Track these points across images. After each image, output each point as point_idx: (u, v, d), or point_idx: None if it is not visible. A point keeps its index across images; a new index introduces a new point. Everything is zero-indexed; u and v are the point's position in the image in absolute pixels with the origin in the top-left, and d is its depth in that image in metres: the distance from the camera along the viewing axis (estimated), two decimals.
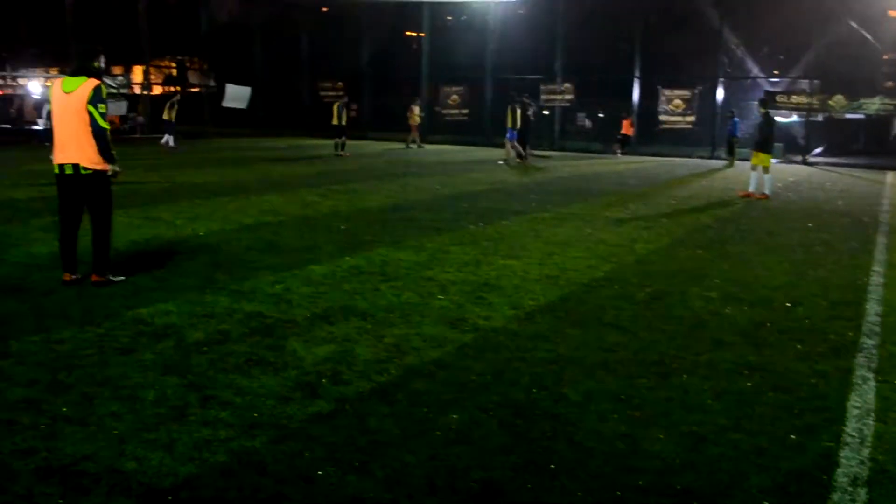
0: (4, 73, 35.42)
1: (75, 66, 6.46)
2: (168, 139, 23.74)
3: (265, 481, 3.33)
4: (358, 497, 3.23)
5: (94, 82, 6.21)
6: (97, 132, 6.17)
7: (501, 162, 22.35)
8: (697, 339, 5.63)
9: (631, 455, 3.70)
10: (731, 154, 25.29)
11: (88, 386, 4.30)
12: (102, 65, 6.45)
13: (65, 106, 6.24)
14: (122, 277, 6.70)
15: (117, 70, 39.01)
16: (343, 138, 24.18)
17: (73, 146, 6.24)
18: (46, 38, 36.20)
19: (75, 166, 6.25)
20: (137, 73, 38.23)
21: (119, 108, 30.53)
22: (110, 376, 4.46)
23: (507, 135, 21.94)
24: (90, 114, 6.13)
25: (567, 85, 31.33)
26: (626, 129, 28.96)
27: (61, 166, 6.30)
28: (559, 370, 4.86)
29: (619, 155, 28.33)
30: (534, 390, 4.51)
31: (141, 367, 4.64)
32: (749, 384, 4.73)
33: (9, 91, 35.59)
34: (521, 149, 22.35)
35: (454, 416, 4.08)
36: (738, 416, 4.21)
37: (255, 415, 3.99)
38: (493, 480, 3.42)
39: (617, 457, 3.69)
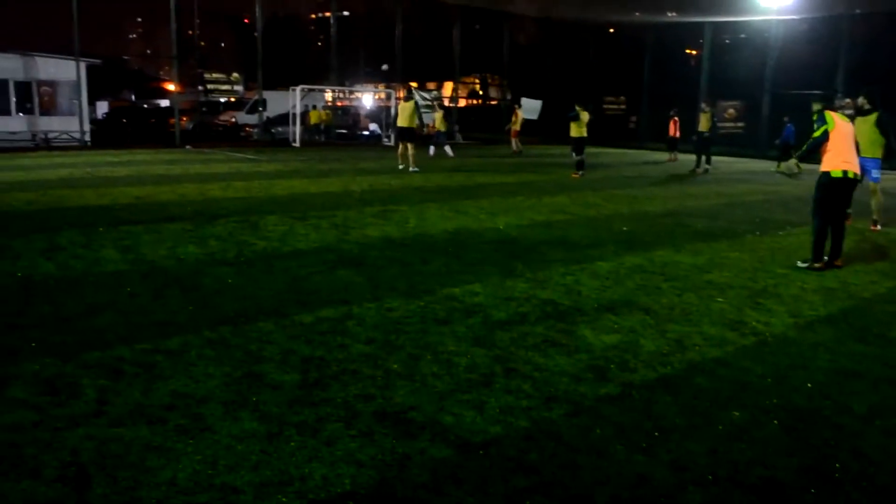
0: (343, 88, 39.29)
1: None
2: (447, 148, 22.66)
3: (560, 449, 3.36)
4: (645, 476, 3.14)
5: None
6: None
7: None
8: None
9: None
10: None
11: (414, 348, 4.65)
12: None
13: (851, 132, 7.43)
14: None
15: (431, 85, 41.85)
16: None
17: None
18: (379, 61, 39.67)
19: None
20: (447, 88, 40.54)
21: (430, 118, 32.40)
22: (430, 342, 4.78)
23: None
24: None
25: (848, 100, 27.89)
26: (674, 130, 23.51)
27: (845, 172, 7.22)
28: (841, 381, 4.36)
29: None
30: (814, 398, 4.08)
31: (455, 337, 4.91)
32: None
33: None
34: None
35: (735, 414, 3.82)
36: None
37: (552, 389, 4.05)
38: (775, 479, 3.15)
39: None
